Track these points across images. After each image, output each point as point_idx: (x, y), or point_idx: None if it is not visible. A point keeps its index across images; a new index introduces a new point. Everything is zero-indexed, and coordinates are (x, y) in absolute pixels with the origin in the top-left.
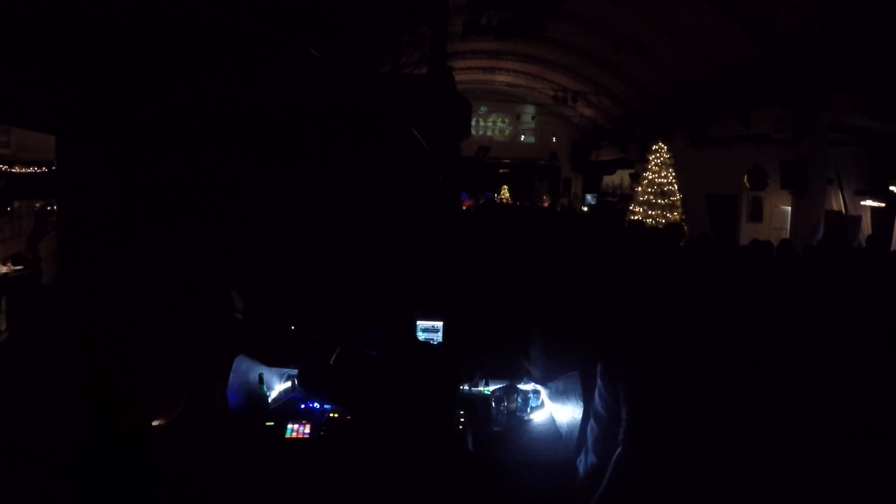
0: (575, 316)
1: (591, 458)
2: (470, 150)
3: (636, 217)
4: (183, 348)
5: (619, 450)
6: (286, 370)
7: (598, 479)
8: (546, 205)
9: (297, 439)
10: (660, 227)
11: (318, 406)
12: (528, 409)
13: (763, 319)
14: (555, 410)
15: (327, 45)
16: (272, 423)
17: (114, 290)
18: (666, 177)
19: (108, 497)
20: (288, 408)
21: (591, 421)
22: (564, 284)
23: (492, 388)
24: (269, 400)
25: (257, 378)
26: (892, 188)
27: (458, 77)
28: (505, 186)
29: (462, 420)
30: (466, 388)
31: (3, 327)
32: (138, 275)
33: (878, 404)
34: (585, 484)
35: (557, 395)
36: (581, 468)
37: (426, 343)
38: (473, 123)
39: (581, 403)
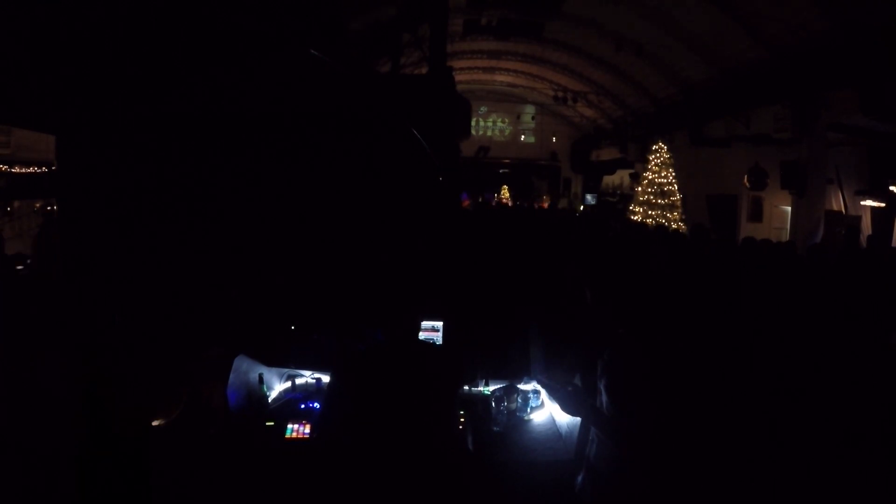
0: (574, 316)
1: (591, 466)
2: (470, 150)
3: (636, 217)
4: (183, 348)
5: (621, 454)
6: (286, 370)
7: (598, 488)
8: (546, 205)
9: (297, 439)
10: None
11: (319, 406)
12: (528, 409)
13: (766, 321)
14: (555, 410)
15: (327, 45)
16: (272, 423)
17: (114, 290)
18: (666, 177)
19: (107, 497)
20: (288, 408)
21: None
22: (564, 285)
23: (492, 388)
24: (269, 400)
25: (257, 378)
26: (892, 188)
27: (458, 77)
28: (505, 186)
29: (462, 420)
30: (466, 388)
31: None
32: (138, 275)
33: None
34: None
35: None
36: (579, 481)
37: (427, 343)
38: (473, 123)
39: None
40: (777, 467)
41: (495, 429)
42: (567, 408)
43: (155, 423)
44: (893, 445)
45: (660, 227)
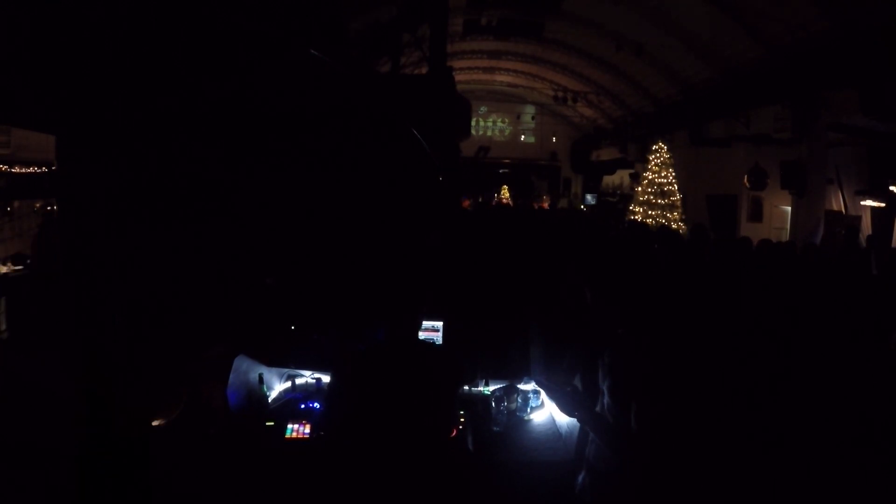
0: (573, 317)
1: (591, 467)
2: (470, 150)
3: (636, 217)
4: (183, 348)
5: (619, 456)
6: (286, 370)
7: (597, 488)
8: (546, 205)
9: (297, 439)
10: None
11: (319, 406)
12: (528, 409)
13: (766, 321)
14: (555, 410)
15: (327, 45)
16: (272, 423)
17: (114, 290)
18: (666, 177)
19: (107, 497)
20: (288, 408)
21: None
22: (564, 285)
23: (492, 388)
24: (269, 400)
25: (257, 378)
26: (892, 188)
27: (458, 77)
28: (505, 186)
29: (462, 420)
30: (466, 388)
31: (3, 327)
32: (139, 275)
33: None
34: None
35: None
36: (580, 481)
37: (427, 343)
38: (473, 123)
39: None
40: (777, 467)
41: (495, 429)
42: (565, 409)
43: (155, 423)
44: (893, 445)
45: (662, 227)
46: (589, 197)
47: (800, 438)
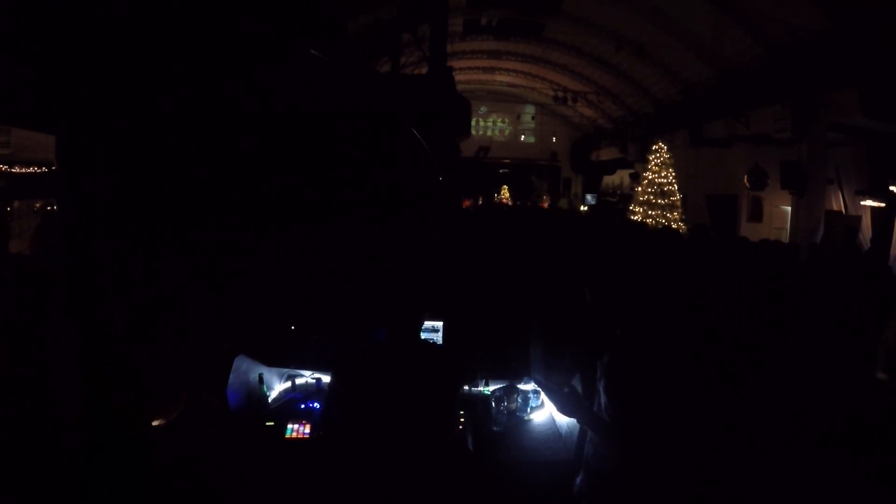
0: (574, 317)
1: (589, 467)
2: (470, 150)
3: (636, 217)
4: (183, 348)
5: (617, 456)
6: (286, 370)
7: (596, 489)
8: (546, 205)
9: (297, 439)
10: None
11: (319, 406)
12: (528, 409)
13: (766, 322)
14: (555, 410)
15: (327, 45)
16: (272, 423)
17: (114, 290)
18: (666, 177)
19: (107, 497)
20: (288, 408)
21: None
22: (564, 285)
23: (492, 388)
24: (269, 400)
25: (257, 378)
26: (892, 188)
27: (458, 77)
28: (505, 186)
29: (462, 420)
30: (466, 388)
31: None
32: (139, 275)
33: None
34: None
35: None
36: (578, 482)
37: (428, 342)
38: (473, 123)
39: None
40: (775, 468)
41: (495, 429)
42: (563, 409)
43: (155, 423)
44: (890, 444)
45: (664, 228)
46: (589, 197)
47: (798, 438)
